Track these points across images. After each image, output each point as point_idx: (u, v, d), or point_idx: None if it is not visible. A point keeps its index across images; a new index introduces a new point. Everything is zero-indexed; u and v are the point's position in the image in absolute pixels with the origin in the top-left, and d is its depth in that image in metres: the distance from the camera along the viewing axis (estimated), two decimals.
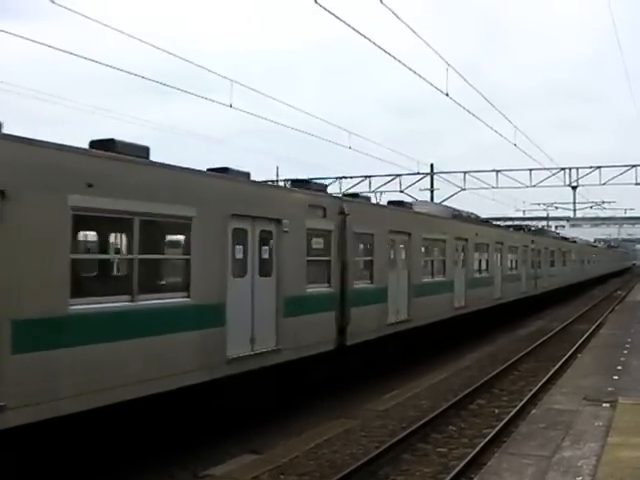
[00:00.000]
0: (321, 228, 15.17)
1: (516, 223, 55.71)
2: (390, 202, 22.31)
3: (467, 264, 25.33)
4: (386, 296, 18.36)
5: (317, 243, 15.23)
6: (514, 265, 33.57)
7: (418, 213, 22.42)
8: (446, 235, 23.22)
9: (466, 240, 25.12)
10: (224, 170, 12.80)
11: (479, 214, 34.01)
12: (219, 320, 11.57)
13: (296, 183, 16.39)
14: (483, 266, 28.01)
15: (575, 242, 61.77)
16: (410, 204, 23.51)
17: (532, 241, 37.99)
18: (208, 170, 12.56)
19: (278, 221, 13.42)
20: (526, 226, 40.63)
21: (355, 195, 21.14)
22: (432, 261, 22.74)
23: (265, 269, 13.14)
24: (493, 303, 28.75)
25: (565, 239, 57.69)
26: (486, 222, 32.31)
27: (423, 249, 21.62)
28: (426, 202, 29.03)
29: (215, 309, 11.53)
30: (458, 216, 26.50)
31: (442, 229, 23.42)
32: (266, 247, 13.19)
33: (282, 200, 14.32)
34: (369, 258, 17.82)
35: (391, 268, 18.78)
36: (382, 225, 18.24)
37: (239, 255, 12.37)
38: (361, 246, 17.79)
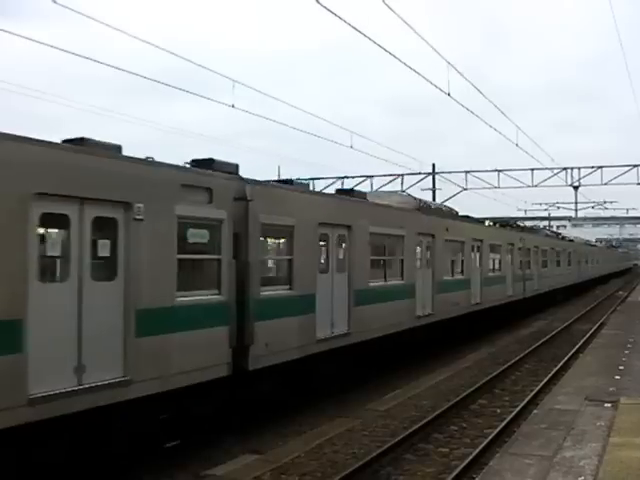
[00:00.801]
0: (204, 216, 11.35)
1: (520, 222, 55.16)
2: (339, 190, 19.26)
3: (435, 264, 21.63)
4: (313, 306, 14.27)
5: (197, 236, 11.53)
6: (497, 266, 30.00)
7: (363, 203, 17.94)
8: (404, 230, 19.30)
9: (433, 236, 21.47)
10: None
11: (481, 214, 33.61)
12: None
13: (198, 162, 12.32)
14: (457, 267, 24.40)
15: (572, 241, 58.52)
16: (364, 193, 19.61)
17: (520, 239, 34.44)
18: None
19: (127, 205, 9.77)
20: (514, 223, 36.54)
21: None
22: (384, 261, 18.66)
23: (101, 272, 9.61)
24: (470, 309, 25.26)
25: (561, 238, 54.42)
26: (465, 217, 28.58)
27: (370, 246, 17.13)
28: (390, 192, 23.98)
29: None
30: (424, 208, 22.52)
31: (399, 222, 19.27)
32: (105, 240, 9.62)
33: (134, 177, 10.13)
34: (287, 257, 14.01)
35: (322, 270, 15.03)
36: (307, 215, 14.21)
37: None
38: (274, 242, 14.73)
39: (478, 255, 26.82)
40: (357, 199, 17.60)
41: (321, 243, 15.11)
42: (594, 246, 78.68)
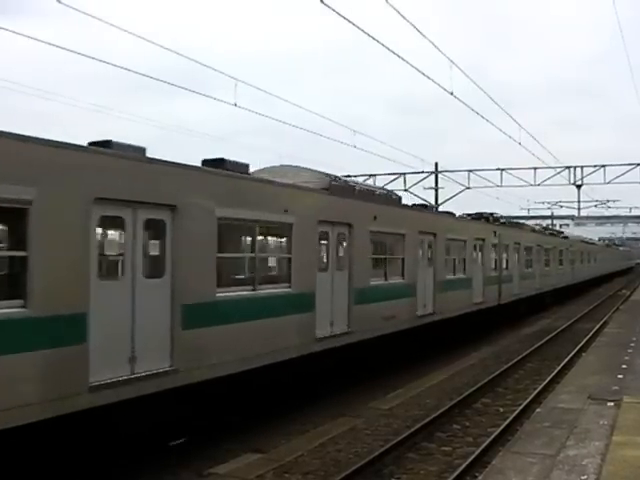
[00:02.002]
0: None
1: (523, 220, 54.75)
2: (205, 161, 12.64)
3: (353, 265, 16.21)
4: (83, 333, 9.12)
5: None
6: (460, 266, 24.59)
7: (211, 173, 12.05)
8: (294, 216, 13.71)
9: (349, 226, 16.09)
10: None
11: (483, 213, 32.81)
12: None
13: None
14: (393, 268, 19.05)
15: (566, 238, 53.21)
16: (244, 166, 13.13)
17: (495, 234, 29.15)
18: None
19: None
20: (491, 215, 30.91)
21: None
22: (250, 259, 13.16)
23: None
24: (416, 322, 20.04)
25: (553, 234, 49.80)
26: (421, 206, 25.40)
27: (221, 240, 11.87)
28: (297, 167, 16.58)
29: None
30: (339, 188, 16.44)
31: (277, 205, 13.42)
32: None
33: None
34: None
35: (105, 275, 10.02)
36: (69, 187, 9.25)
37: None
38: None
39: (429, 252, 21.52)
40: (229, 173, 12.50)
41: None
42: (592, 244, 71.58)
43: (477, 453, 11.00)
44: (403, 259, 19.45)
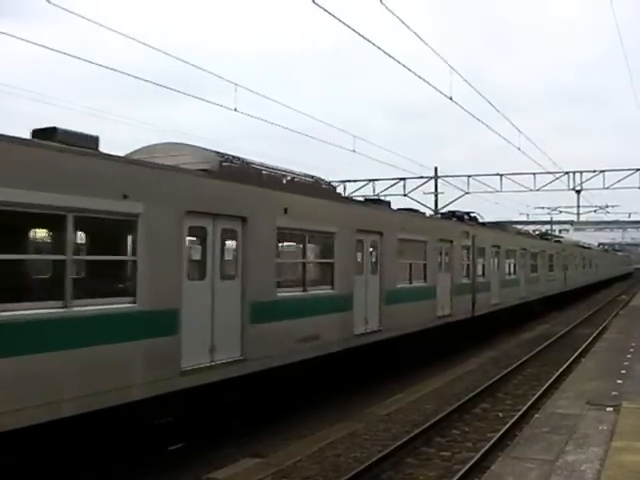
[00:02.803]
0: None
1: (522, 226, 54.44)
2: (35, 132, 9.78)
3: (247, 272, 12.46)
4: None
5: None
6: (419, 273, 20.88)
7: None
8: (142, 205, 10.14)
9: (243, 220, 12.42)
10: None
11: (483, 218, 32.09)
12: None
13: None
14: (317, 276, 15.77)
15: (559, 241, 50.44)
16: (95, 139, 10.19)
17: (467, 235, 25.43)
18: None
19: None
20: (467, 214, 27.79)
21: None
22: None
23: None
24: (352, 342, 16.15)
25: (544, 237, 46.91)
26: (375, 201, 22.18)
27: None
28: (175, 144, 13.25)
29: None
30: (241, 172, 12.96)
31: (119, 189, 9.84)
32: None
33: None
34: None
35: None
36: None
37: None
38: None
39: (373, 255, 17.77)
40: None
41: None
42: (588, 248, 68.76)
43: (476, 458, 11.00)
44: (332, 264, 15.50)
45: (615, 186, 39.35)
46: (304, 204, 14.55)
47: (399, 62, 17.13)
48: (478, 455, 11.18)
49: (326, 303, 15.27)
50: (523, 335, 30.32)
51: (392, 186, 41.32)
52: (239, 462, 11.30)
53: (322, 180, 16.58)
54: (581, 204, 46.22)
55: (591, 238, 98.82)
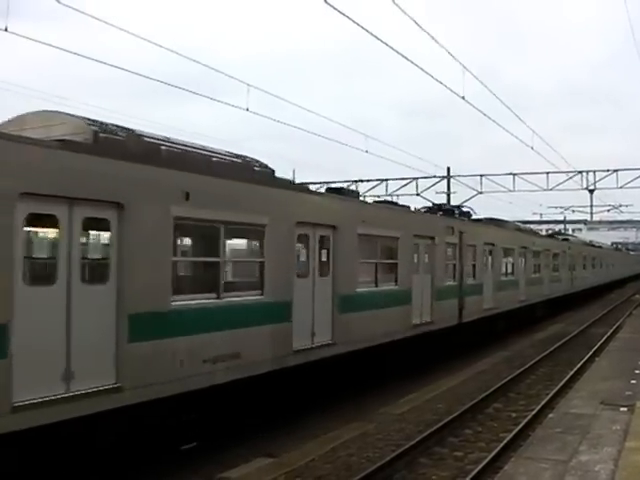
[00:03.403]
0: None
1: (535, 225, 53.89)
2: None
3: (126, 277, 9.72)
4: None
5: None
6: (388, 275, 18.12)
7: None
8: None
9: (120, 206, 9.75)
10: None
11: (477, 213, 30.62)
12: None
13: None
14: (242, 277, 14.00)
15: (566, 239, 47.63)
16: None
17: (452, 231, 22.45)
18: None
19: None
20: (457, 207, 26.27)
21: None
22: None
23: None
24: (290, 361, 13.44)
25: (547, 235, 44.67)
26: (335, 190, 18.15)
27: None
28: (50, 112, 11.01)
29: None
30: (122, 145, 10.37)
31: None
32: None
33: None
34: None
35: None
36: None
37: None
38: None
39: (322, 254, 14.98)
40: None
41: None
42: (599, 247, 64.84)
43: (489, 458, 10.96)
44: (262, 263, 12.71)
45: (629, 185, 39.16)
46: (218, 188, 11.60)
47: (411, 61, 17.11)
48: (491, 455, 11.14)
49: (255, 311, 12.39)
50: (536, 335, 30.17)
51: (404, 186, 41.30)
52: (251, 462, 11.32)
53: (257, 162, 13.65)
54: (594, 203, 46.02)
55: (604, 237, 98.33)
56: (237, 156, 13.09)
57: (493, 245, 26.78)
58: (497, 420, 14.43)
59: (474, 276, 24.46)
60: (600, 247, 65.62)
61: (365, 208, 18.10)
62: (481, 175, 41.62)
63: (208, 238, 11.97)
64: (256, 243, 13.31)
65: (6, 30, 12.87)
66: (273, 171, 13.84)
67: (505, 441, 12.00)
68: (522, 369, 19.81)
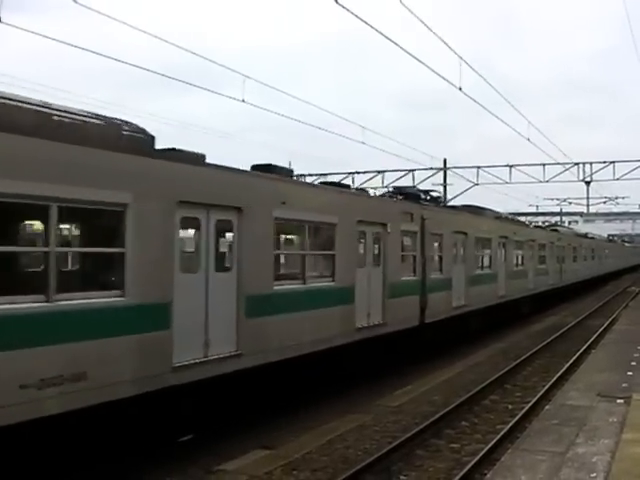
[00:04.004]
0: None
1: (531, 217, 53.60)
2: None
3: None
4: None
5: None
6: (321, 267, 15.67)
7: None
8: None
9: None
10: None
11: (493, 209, 30.99)
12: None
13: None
14: (81, 270, 10.95)
15: (556, 230, 45.62)
16: None
17: (412, 217, 19.45)
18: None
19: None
20: (425, 193, 23.66)
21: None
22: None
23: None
24: (172, 379, 10.57)
25: (541, 227, 43.03)
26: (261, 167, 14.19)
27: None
28: None
29: None
30: None
31: None
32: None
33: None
34: None
35: None
36: None
37: None
38: None
39: (221, 244, 12.43)
40: None
41: None
42: (592, 238, 62.20)
43: (486, 450, 10.98)
44: (123, 255, 9.76)
45: (625, 177, 39.17)
46: (46, 155, 8.78)
47: (408, 53, 17.00)
48: (488, 447, 11.15)
49: (112, 318, 9.57)
50: (533, 327, 30.23)
51: (401, 177, 41.25)
52: (248, 454, 11.32)
53: (130, 125, 10.84)
54: (591, 195, 46.15)
55: (601, 229, 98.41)
56: (97, 116, 10.39)
57: (465, 234, 23.71)
58: (493, 412, 14.45)
59: (441, 269, 21.63)
60: (593, 238, 63.28)
61: (286, 186, 14.17)
62: (477, 167, 41.60)
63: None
64: (111, 229, 9.99)
65: (0, 21, 12.77)
66: (152, 138, 11.00)
67: (502, 433, 12.02)
68: (518, 361, 19.85)
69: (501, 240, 28.56)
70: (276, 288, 13.05)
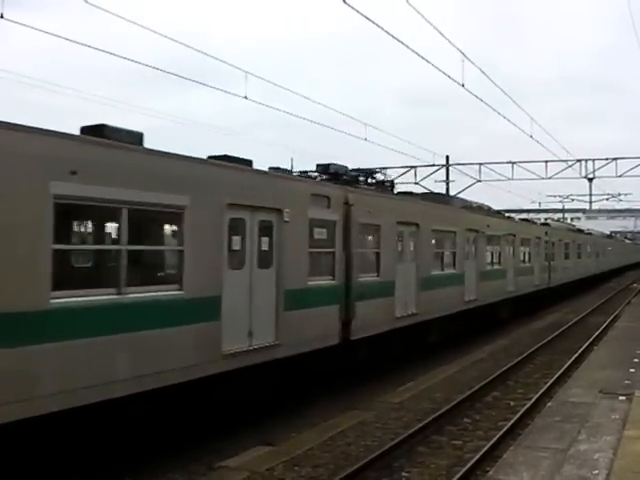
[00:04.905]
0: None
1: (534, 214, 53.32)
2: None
3: None
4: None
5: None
6: (158, 275, 11.32)
7: None
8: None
9: None
10: None
11: (495, 206, 31.13)
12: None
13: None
14: None
15: (546, 224, 41.86)
16: None
17: (329, 202, 14.86)
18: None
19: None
20: (369, 175, 19.79)
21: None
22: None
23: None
24: None
25: (527, 219, 39.08)
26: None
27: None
28: None
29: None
30: None
31: None
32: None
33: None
34: None
35: None
36: None
37: None
38: None
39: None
40: None
41: None
42: (589, 234, 57.97)
43: (488, 447, 10.97)
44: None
45: (628, 174, 39.18)
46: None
47: (412, 49, 17.00)
48: (490, 444, 11.15)
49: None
50: (534, 324, 30.21)
51: (403, 174, 41.20)
52: (250, 450, 11.32)
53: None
54: (593, 192, 46.09)
55: (603, 226, 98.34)
56: None
57: (416, 226, 19.11)
58: (496, 409, 14.43)
59: (378, 270, 17.03)
60: (590, 234, 58.71)
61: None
62: (480, 163, 41.63)
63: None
64: None
65: (2, 17, 12.77)
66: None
67: (504, 430, 12.00)
68: (520, 357, 19.83)
69: (470, 234, 24.03)
70: (55, 302, 8.66)
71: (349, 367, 15.75)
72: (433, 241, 20.84)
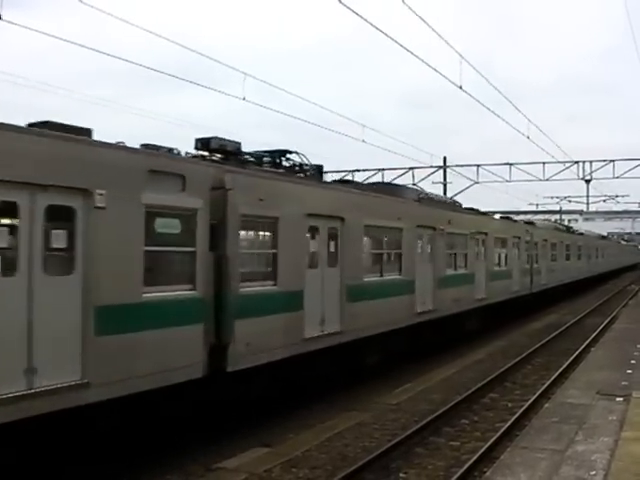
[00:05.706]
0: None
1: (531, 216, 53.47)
2: None
3: None
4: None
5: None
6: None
7: None
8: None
9: None
10: None
11: (492, 208, 31.44)
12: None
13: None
14: None
15: (531, 223, 37.91)
16: None
17: (183, 181, 10.44)
18: None
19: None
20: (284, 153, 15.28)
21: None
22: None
23: None
24: None
25: (508, 217, 35.13)
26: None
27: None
28: None
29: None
30: None
31: None
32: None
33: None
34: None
35: None
36: None
37: None
38: None
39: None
40: None
41: None
42: (581, 234, 54.88)
43: (485, 448, 10.97)
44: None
45: (625, 176, 39.29)
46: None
47: (409, 51, 17.05)
48: (487, 445, 11.14)
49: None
50: (532, 325, 30.21)
51: (401, 176, 41.24)
52: (248, 452, 11.31)
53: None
54: (591, 194, 46.21)
55: (600, 228, 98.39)
56: None
57: (340, 220, 15.14)
58: (493, 410, 14.43)
59: (275, 278, 12.95)
60: (582, 234, 55.42)
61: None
62: (477, 165, 41.70)
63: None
64: None
65: (0, 18, 12.74)
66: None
67: (501, 431, 12.00)
68: (518, 359, 19.84)
69: (423, 231, 20.06)
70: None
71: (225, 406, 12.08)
72: (366, 239, 16.85)
